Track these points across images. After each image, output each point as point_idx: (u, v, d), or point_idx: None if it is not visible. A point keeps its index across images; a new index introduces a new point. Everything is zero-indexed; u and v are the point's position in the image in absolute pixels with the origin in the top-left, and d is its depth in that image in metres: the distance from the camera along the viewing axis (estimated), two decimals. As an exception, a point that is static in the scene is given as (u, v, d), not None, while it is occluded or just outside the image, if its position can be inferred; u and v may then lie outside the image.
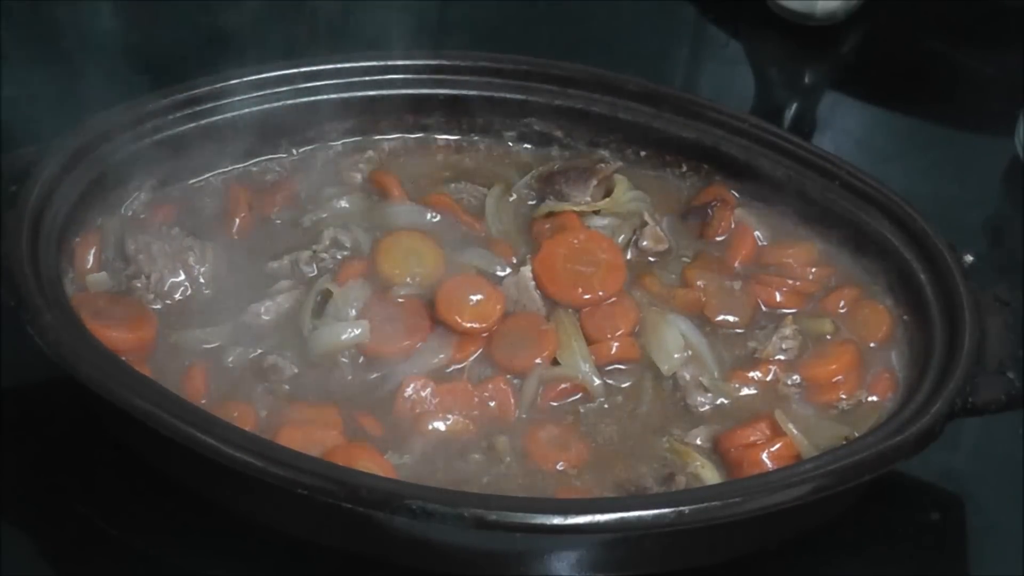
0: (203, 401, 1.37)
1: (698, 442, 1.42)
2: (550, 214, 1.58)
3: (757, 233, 1.60)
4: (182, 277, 1.48)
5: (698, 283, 1.54)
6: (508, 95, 1.66)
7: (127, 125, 1.52)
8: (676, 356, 1.46)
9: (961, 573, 1.44)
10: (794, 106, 2.00)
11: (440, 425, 1.40)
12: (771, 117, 1.76)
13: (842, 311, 1.53)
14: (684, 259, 1.58)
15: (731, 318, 1.52)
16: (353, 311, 1.45)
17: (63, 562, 1.36)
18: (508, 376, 1.44)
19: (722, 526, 1.27)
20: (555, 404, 1.44)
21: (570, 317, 1.48)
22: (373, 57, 1.64)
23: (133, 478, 1.36)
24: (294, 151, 1.64)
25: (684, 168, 1.65)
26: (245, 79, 1.58)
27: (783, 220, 1.61)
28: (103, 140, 1.50)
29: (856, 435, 1.39)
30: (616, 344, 1.46)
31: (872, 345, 1.51)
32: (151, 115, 1.54)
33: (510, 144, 1.68)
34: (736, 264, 1.58)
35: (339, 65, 1.62)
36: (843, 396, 1.46)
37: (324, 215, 1.57)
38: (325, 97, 1.62)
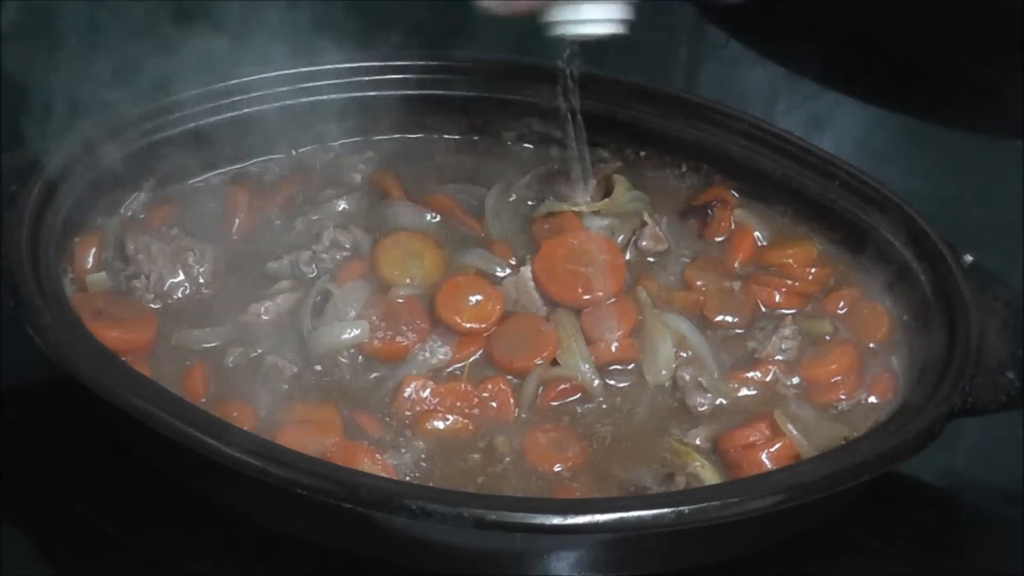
0: (203, 401, 1.37)
1: (698, 442, 1.41)
2: (550, 214, 1.58)
3: (757, 233, 1.60)
4: (182, 277, 1.48)
5: (698, 283, 1.54)
6: (508, 95, 1.66)
7: (127, 125, 1.52)
8: (663, 372, 1.46)
9: (961, 573, 1.44)
10: (794, 106, 1.99)
11: (439, 425, 1.40)
12: (771, 117, 1.76)
13: (842, 312, 1.53)
14: (684, 259, 1.58)
15: (730, 318, 1.52)
16: (353, 311, 1.45)
17: (63, 562, 1.36)
18: (508, 376, 1.44)
19: (722, 526, 1.27)
20: (555, 404, 1.44)
21: (570, 317, 1.48)
22: (373, 57, 1.64)
23: (133, 478, 1.36)
24: (294, 151, 1.64)
25: (684, 168, 1.65)
26: (244, 79, 1.58)
27: (783, 220, 1.61)
28: (103, 140, 1.50)
29: (855, 435, 1.39)
30: (615, 344, 1.46)
31: (872, 346, 1.50)
32: (151, 115, 1.54)
33: (510, 144, 1.68)
34: (736, 264, 1.58)
35: (339, 65, 1.62)
36: (842, 396, 1.46)
37: (323, 216, 1.57)
38: (325, 97, 1.62)
